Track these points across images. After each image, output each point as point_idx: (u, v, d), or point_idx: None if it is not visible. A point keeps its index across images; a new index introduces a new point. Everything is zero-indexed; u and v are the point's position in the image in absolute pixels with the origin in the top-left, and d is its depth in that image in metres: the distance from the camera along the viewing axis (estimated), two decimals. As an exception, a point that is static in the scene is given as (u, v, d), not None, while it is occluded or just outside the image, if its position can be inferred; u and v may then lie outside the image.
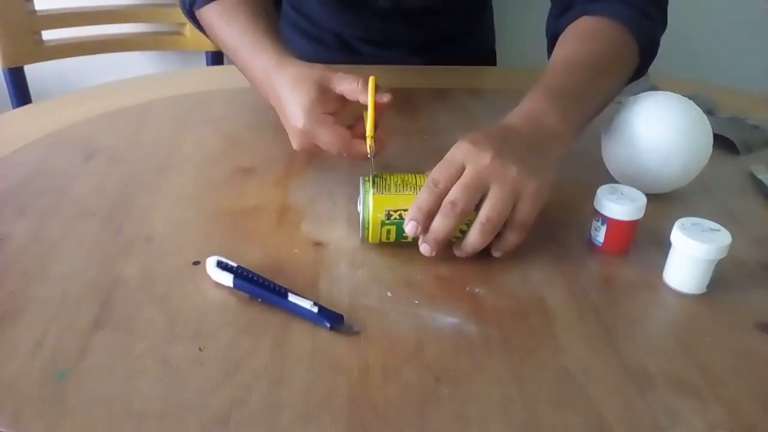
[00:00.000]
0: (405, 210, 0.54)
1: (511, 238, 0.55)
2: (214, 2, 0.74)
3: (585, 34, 0.71)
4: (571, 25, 0.73)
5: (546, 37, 0.79)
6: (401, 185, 0.56)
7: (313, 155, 0.66)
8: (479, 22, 1.12)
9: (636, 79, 0.74)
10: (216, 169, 0.70)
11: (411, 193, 0.55)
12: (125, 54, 1.33)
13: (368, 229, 0.56)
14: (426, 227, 0.53)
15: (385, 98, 0.60)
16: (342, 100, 0.63)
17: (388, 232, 0.55)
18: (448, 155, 0.55)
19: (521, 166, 0.53)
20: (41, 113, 0.82)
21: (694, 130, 0.63)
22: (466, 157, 0.54)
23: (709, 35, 1.44)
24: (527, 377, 0.45)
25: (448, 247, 0.58)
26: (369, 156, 0.59)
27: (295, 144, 0.64)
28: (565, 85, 0.63)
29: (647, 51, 0.72)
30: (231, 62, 0.77)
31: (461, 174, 0.53)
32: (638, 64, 0.72)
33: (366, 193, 0.55)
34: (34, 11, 1.21)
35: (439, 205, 0.53)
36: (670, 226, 0.54)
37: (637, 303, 0.53)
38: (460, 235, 0.55)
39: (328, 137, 0.61)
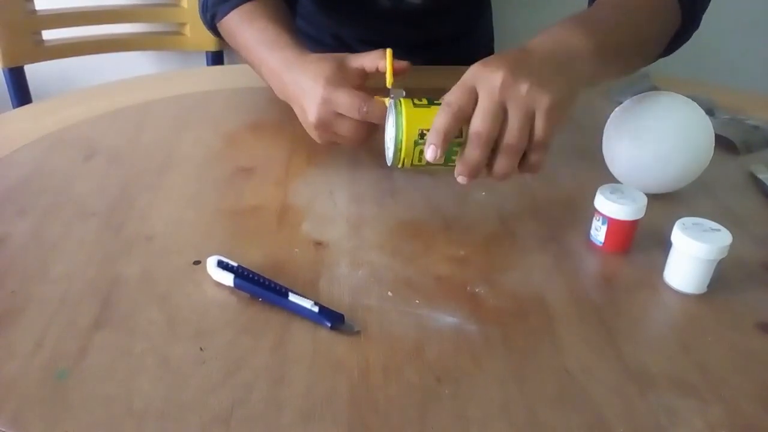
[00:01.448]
0: None
1: (533, 159, 0.55)
2: (233, 12, 0.76)
3: None
4: None
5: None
6: (429, 105, 0.56)
7: (328, 133, 0.65)
8: (478, 23, 1.12)
9: (678, 46, 0.72)
10: (216, 169, 0.70)
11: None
12: (125, 54, 1.33)
13: (401, 150, 0.55)
14: (445, 149, 0.53)
15: (403, 63, 0.66)
16: (359, 76, 0.66)
17: (421, 152, 0.55)
18: (463, 77, 0.55)
19: (532, 81, 0.53)
20: (41, 113, 0.82)
21: (695, 131, 0.63)
22: (477, 79, 0.54)
23: (709, 35, 1.44)
24: (528, 377, 0.45)
25: (448, 248, 0.58)
26: (390, 92, 0.63)
27: (313, 115, 0.64)
28: (594, 17, 0.62)
29: (689, 13, 0.70)
30: (243, 62, 0.78)
31: (474, 96, 0.53)
32: (679, 27, 0.70)
33: (399, 113, 0.55)
34: (34, 11, 1.21)
35: (456, 126, 0.53)
36: (670, 226, 0.54)
37: (638, 303, 0.53)
38: (454, 157, 0.55)
39: (347, 96, 0.62)
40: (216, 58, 1.36)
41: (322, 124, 0.64)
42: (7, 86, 1.22)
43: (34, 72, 1.24)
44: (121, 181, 0.66)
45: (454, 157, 0.55)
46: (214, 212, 0.62)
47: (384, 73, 0.66)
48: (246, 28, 0.75)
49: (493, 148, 0.54)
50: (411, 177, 0.69)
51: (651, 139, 0.63)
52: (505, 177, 0.55)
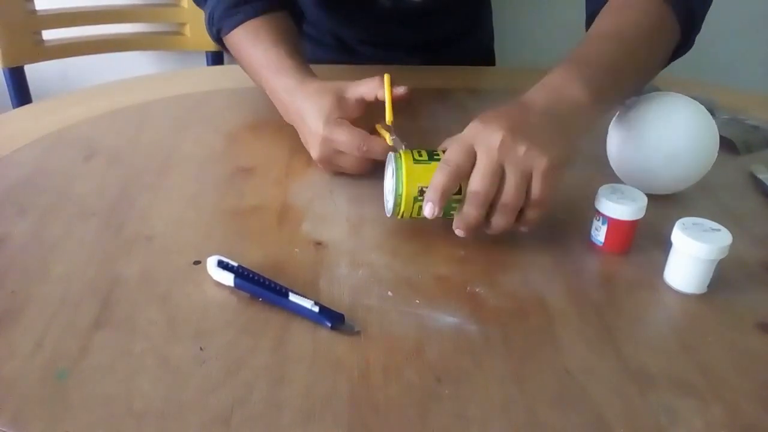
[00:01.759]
0: None
1: (530, 215, 0.56)
2: (239, 27, 0.76)
3: (618, 7, 0.69)
4: (609, 1, 0.70)
5: (586, 17, 0.76)
6: (429, 161, 0.56)
7: (332, 166, 0.67)
8: (478, 23, 1.12)
9: (681, 55, 0.71)
10: (216, 169, 0.70)
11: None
12: (125, 54, 1.33)
13: (400, 204, 0.56)
14: (442, 207, 0.54)
15: (401, 90, 0.67)
16: (359, 107, 0.67)
17: (420, 208, 0.56)
18: (461, 135, 0.56)
19: (531, 142, 0.53)
20: (41, 113, 0.82)
21: (701, 131, 0.63)
22: (476, 138, 0.54)
23: (709, 35, 1.44)
24: (528, 377, 0.45)
25: (448, 248, 0.58)
26: (391, 137, 0.64)
27: (315, 153, 0.66)
28: (590, 56, 0.62)
29: (687, 24, 0.69)
30: (232, 62, 0.78)
31: (472, 154, 0.54)
32: (680, 39, 0.69)
33: (399, 168, 0.56)
34: (34, 11, 1.21)
35: (454, 184, 0.54)
36: (670, 226, 0.54)
37: (638, 303, 0.53)
38: (452, 212, 0.55)
39: (346, 136, 0.64)
40: (216, 58, 1.36)
41: (324, 160, 0.67)
42: (7, 86, 1.22)
43: (34, 72, 1.24)
44: (121, 181, 0.66)
45: (452, 212, 0.56)
46: (214, 212, 0.62)
47: (383, 102, 0.66)
48: (250, 47, 0.75)
49: (491, 204, 0.55)
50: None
51: (656, 140, 0.63)
52: (497, 232, 0.56)
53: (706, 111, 0.64)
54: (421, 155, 0.57)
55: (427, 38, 1.05)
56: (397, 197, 0.56)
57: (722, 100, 0.89)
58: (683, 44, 0.70)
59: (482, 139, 0.54)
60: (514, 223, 0.56)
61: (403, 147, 0.60)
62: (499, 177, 0.54)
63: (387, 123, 0.65)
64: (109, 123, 0.79)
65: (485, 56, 1.17)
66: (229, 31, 0.77)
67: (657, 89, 0.73)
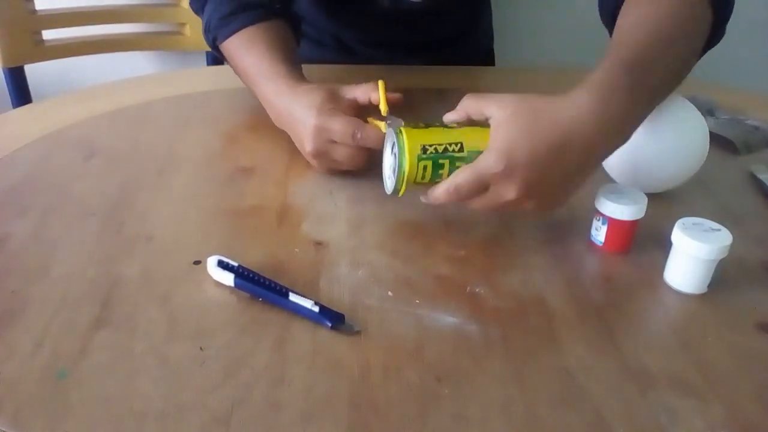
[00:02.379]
0: (439, 144, 0.56)
1: (523, 210, 0.57)
2: (234, 35, 0.76)
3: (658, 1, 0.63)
4: None
5: (603, 13, 0.73)
6: (428, 127, 0.57)
7: (327, 160, 0.66)
8: (478, 23, 1.12)
9: (713, 45, 0.68)
10: (216, 169, 0.70)
11: (441, 128, 0.57)
12: (125, 54, 1.33)
13: (404, 168, 0.56)
14: (433, 205, 0.57)
15: (397, 95, 0.67)
16: (351, 108, 0.66)
17: (425, 168, 0.56)
18: (481, 167, 0.53)
19: (540, 202, 0.55)
20: (41, 113, 0.82)
21: (689, 129, 0.63)
22: (494, 182, 0.54)
23: (709, 35, 1.44)
24: (528, 377, 0.45)
25: (448, 248, 0.58)
26: (387, 121, 0.64)
27: (309, 145, 0.65)
28: (645, 63, 0.57)
29: (720, 8, 0.64)
30: (244, 85, 0.78)
31: (484, 188, 0.55)
32: (712, 24, 0.65)
33: (398, 134, 0.56)
34: (34, 11, 1.21)
35: (471, 198, 0.56)
36: (670, 226, 0.54)
37: (638, 303, 0.53)
38: (438, 180, 0.57)
39: (340, 124, 0.63)
40: (216, 58, 1.35)
41: (319, 153, 0.65)
42: (7, 86, 1.22)
43: (34, 72, 1.24)
44: (121, 181, 0.66)
45: (437, 179, 0.57)
46: (214, 212, 0.62)
47: (377, 105, 0.67)
48: (244, 55, 0.75)
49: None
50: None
51: (646, 138, 0.63)
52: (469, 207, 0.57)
53: (694, 107, 0.64)
54: (418, 126, 0.57)
55: (427, 38, 1.05)
56: (401, 157, 0.56)
57: (722, 100, 0.89)
58: (714, 34, 0.66)
59: (499, 187, 0.54)
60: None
61: (401, 123, 0.59)
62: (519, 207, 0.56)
63: (382, 114, 0.65)
64: (109, 123, 0.79)
65: (485, 56, 1.17)
66: (225, 39, 0.77)
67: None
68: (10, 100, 1.23)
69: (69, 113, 0.80)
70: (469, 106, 0.58)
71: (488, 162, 0.53)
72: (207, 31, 0.80)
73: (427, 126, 0.57)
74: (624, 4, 0.65)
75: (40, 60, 1.24)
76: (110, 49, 1.30)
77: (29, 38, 1.21)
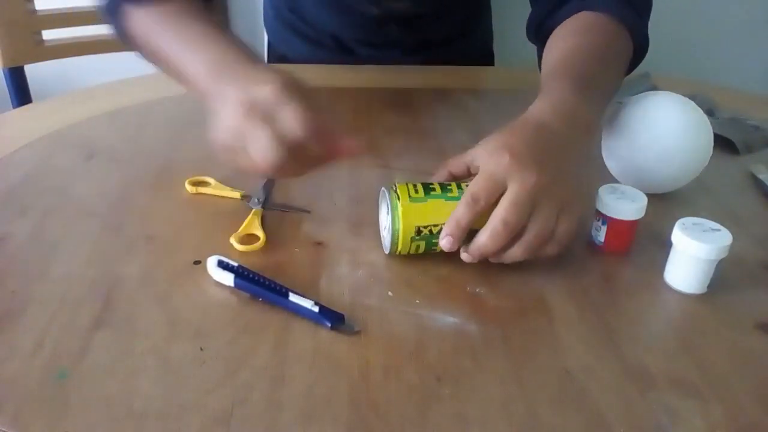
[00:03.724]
0: (434, 225, 0.53)
1: (550, 250, 0.54)
2: (149, 9, 0.64)
3: (588, 27, 0.71)
4: (569, 19, 0.73)
5: (532, 32, 0.79)
6: (426, 197, 0.54)
7: (254, 143, 0.51)
8: (477, 24, 1.12)
9: (633, 69, 0.75)
10: (216, 168, 0.70)
11: (438, 201, 0.53)
12: (125, 54, 1.32)
13: (398, 243, 0.54)
14: (460, 242, 0.52)
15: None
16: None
17: (417, 247, 0.54)
18: (489, 169, 0.52)
19: (565, 183, 0.53)
20: (41, 113, 0.82)
21: (693, 130, 0.63)
22: (509, 174, 0.51)
23: (709, 35, 1.44)
24: (527, 377, 0.45)
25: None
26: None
27: (233, 118, 0.51)
28: (585, 75, 0.63)
29: (640, 47, 0.73)
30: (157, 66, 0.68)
31: (502, 190, 0.51)
32: (631, 60, 0.73)
33: (395, 208, 0.53)
34: (34, 11, 1.21)
35: (474, 219, 0.51)
36: (670, 226, 0.54)
37: (638, 303, 0.53)
38: (434, 248, 0.54)
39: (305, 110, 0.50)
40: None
41: (252, 133, 0.50)
42: (7, 86, 1.22)
43: (34, 72, 1.24)
44: (121, 181, 0.66)
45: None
46: (214, 212, 0.62)
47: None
48: (185, 21, 0.62)
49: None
50: (411, 177, 0.69)
51: (649, 139, 0.63)
52: (509, 261, 0.53)
53: (699, 109, 0.64)
54: (417, 191, 0.54)
55: (427, 39, 1.05)
56: (395, 235, 0.53)
57: (722, 100, 0.89)
58: (631, 66, 0.74)
59: (516, 175, 0.51)
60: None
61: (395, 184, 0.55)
62: (530, 211, 0.51)
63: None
64: (109, 123, 0.79)
65: (485, 56, 1.16)
66: (138, 10, 0.64)
67: (656, 88, 0.73)
68: (10, 100, 1.23)
69: (69, 113, 0.80)
70: (450, 164, 0.57)
71: (489, 160, 0.53)
72: (109, 8, 0.67)
73: (425, 195, 0.54)
74: (558, 29, 0.73)
75: (40, 60, 1.24)
76: (110, 49, 1.29)
77: (29, 38, 1.21)
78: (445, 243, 0.52)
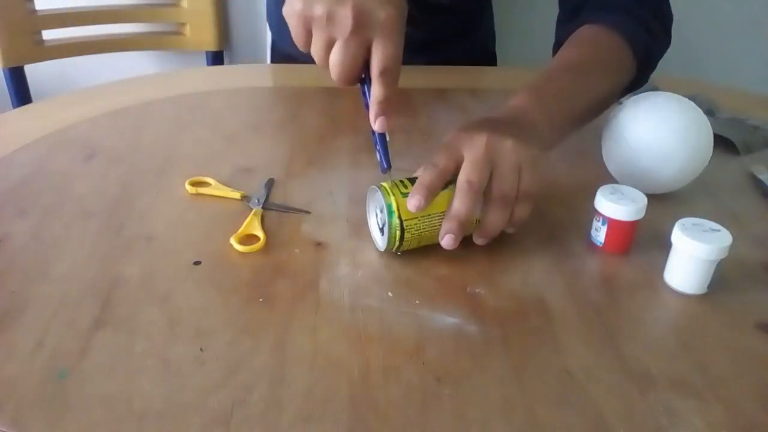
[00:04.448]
0: (427, 215, 0.54)
1: (520, 212, 0.55)
2: None
3: (582, 41, 0.73)
4: (574, 33, 0.74)
5: (554, 43, 0.80)
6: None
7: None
8: (479, 23, 1.12)
9: (635, 89, 0.75)
10: (216, 169, 0.70)
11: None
12: (125, 54, 1.33)
13: (395, 239, 0.54)
14: (428, 202, 0.53)
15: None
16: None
17: (419, 238, 0.55)
18: (444, 143, 0.56)
19: (515, 139, 0.55)
20: (41, 113, 0.82)
21: (693, 130, 0.63)
22: (462, 142, 0.55)
23: (709, 35, 1.44)
24: (528, 377, 0.45)
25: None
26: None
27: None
28: (549, 86, 0.65)
29: (644, 63, 0.73)
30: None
31: (459, 157, 0.54)
32: (635, 75, 0.73)
33: (389, 205, 0.54)
34: (34, 11, 1.21)
35: (440, 183, 0.53)
36: (670, 227, 0.54)
37: (638, 303, 0.53)
38: (438, 226, 0.55)
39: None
40: (216, 58, 1.36)
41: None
42: (7, 86, 1.22)
43: (34, 72, 1.24)
44: (121, 182, 0.66)
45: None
46: (214, 212, 0.62)
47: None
48: None
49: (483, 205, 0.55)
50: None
51: (649, 140, 0.63)
52: (494, 233, 0.55)
53: (699, 110, 0.64)
54: (405, 186, 0.55)
55: (429, 37, 1.05)
56: (392, 231, 0.54)
57: (722, 100, 0.89)
58: (638, 79, 0.74)
59: (468, 141, 0.55)
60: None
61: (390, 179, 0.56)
62: (489, 168, 0.54)
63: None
64: (109, 123, 0.79)
65: (486, 57, 1.17)
66: None
67: (656, 88, 0.73)
68: (10, 100, 1.23)
69: (69, 113, 0.80)
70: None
71: (445, 141, 0.56)
72: None
73: (411, 183, 0.55)
74: (565, 42, 0.74)
75: (40, 60, 1.24)
76: (110, 49, 1.30)
77: (29, 38, 1.21)
78: (412, 202, 0.52)
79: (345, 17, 0.51)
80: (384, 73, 0.53)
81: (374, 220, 0.57)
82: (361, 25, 0.51)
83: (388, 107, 0.54)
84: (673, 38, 0.77)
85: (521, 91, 0.64)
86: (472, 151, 0.54)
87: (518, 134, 0.56)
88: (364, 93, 0.56)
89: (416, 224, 0.54)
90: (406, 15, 0.54)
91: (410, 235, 0.54)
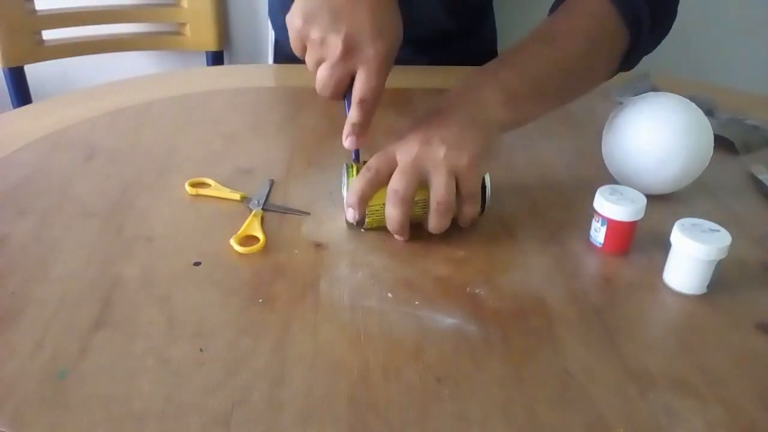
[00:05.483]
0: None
1: (466, 211, 0.58)
2: None
3: (563, 9, 0.68)
4: (562, 3, 0.70)
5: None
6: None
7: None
8: (482, 22, 1.12)
9: (629, 63, 0.69)
10: (216, 169, 0.70)
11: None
12: (125, 54, 1.33)
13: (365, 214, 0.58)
14: (362, 212, 0.57)
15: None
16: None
17: (377, 213, 0.58)
18: (383, 149, 0.58)
19: (448, 146, 0.56)
20: (41, 113, 0.82)
21: (693, 131, 0.63)
22: (396, 147, 0.57)
23: (709, 35, 1.44)
24: (527, 377, 0.45)
25: (447, 249, 0.58)
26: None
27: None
28: (512, 59, 0.64)
29: (635, 33, 0.66)
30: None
31: (393, 162, 0.57)
32: (627, 45, 0.67)
33: (351, 182, 0.58)
34: (34, 11, 1.21)
35: (372, 189, 0.57)
36: (670, 227, 0.54)
37: (638, 303, 0.53)
38: (421, 212, 0.58)
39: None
40: (216, 58, 1.36)
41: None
42: (7, 86, 1.22)
43: (34, 72, 1.24)
44: (121, 182, 0.66)
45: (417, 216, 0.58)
46: (214, 213, 0.62)
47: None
48: None
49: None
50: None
51: (650, 140, 0.63)
52: (440, 231, 0.58)
53: (700, 110, 0.64)
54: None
55: (429, 38, 1.05)
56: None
57: (722, 100, 0.89)
58: (633, 49, 0.67)
59: (402, 146, 0.57)
60: (457, 220, 0.59)
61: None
62: (417, 177, 0.56)
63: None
64: (109, 123, 0.79)
65: (488, 56, 1.16)
66: None
67: (656, 89, 0.73)
68: (10, 100, 1.23)
69: (69, 113, 0.80)
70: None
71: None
72: None
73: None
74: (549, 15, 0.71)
75: (40, 60, 1.24)
76: (110, 49, 1.30)
77: (29, 38, 1.21)
78: (349, 214, 0.58)
79: (335, 45, 0.54)
80: (362, 102, 0.56)
81: (344, 194, 0.60)
82: (349, 54, 0.55)
83: (360, 131, 0.58)
84: (673, 38, 0.76)
85: (491, 63, 0.64)
86: (402, 159, 0.56)
87: (461, 131, 0.57)
88: (346, 107, 0.59)
89: (374, 209, 0.57)
90: (400, 44, 0.57)
91: (371, 219, 0.58)
